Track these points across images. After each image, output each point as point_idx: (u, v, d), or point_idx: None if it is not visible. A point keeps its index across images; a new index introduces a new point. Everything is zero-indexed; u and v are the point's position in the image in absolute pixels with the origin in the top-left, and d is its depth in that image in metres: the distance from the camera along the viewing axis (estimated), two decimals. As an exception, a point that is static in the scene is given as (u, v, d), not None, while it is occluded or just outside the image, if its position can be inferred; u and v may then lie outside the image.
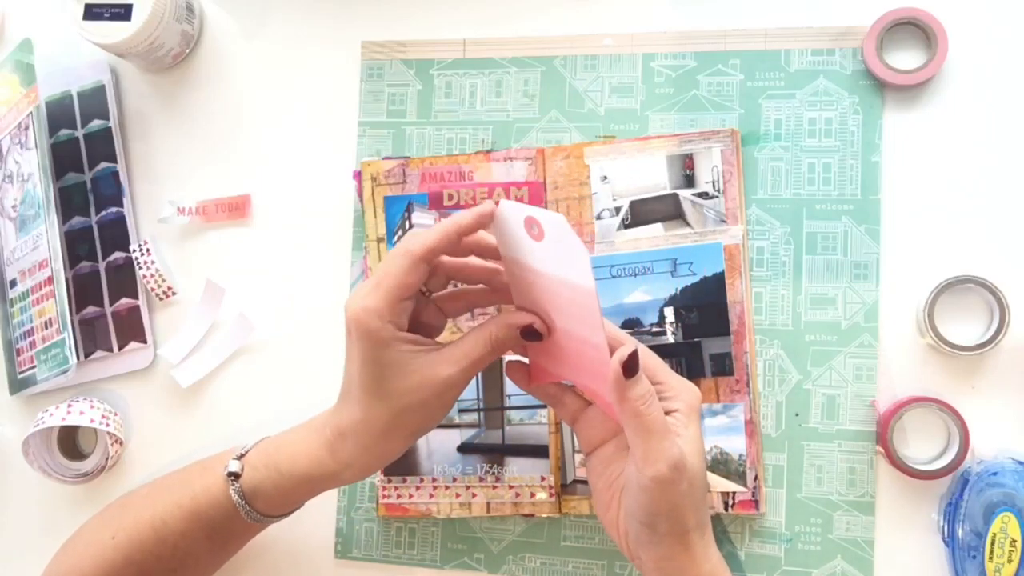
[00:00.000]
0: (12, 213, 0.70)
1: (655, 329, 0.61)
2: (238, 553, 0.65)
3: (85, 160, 0.70)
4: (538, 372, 0.54)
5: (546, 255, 0.47)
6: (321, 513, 0.66)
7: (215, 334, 0.68)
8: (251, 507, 0.54)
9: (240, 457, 0.56)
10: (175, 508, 0.55)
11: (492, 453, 0.63)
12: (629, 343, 0.48)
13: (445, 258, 0.51)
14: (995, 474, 0.57)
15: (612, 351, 0.47)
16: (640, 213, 0.62)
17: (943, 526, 0.58)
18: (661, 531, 0.49)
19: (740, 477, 0.60)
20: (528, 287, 0.50)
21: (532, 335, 0.50)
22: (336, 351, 0.66)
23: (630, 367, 0.46)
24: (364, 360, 0.50)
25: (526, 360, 0.54)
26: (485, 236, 0.52)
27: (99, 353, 0.69)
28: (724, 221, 0.61)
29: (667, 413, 0.49)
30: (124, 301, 0.69)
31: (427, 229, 0.49)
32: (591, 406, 0.54)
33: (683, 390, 0.50)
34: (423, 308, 0.53)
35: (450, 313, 0.54)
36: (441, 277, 0.53)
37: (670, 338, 0.60)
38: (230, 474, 0.55)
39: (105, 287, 0.70)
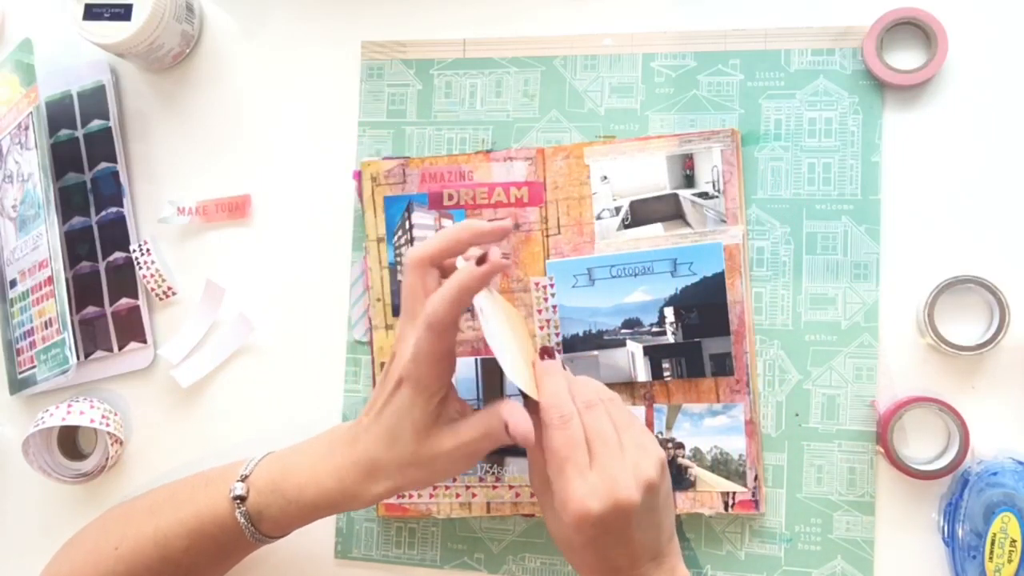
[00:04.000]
0: (12, 213, 0.70)
1: (655, 329, 0.61)
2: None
3: (85, 160, 0.70)
4: None
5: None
6: (321, 513, 0.66)
7: (215, 334, 0.68)
8: (256, 529, 0.54)
9: (244, 479, 0.55)
10: (179, 526, 0.55)
11: (492, 453, 0.63)
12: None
13: None
14: (995, 474, 0.57)
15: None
16: (640, 213, 0.62)
17: (943, 526, 0.58)
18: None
19: (740, 477, 0.60)
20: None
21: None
22: (336, 350, 0.67)
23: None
24: (402, 409, 0.51)
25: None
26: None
27: (99, 353, 0.69)
28: (724, 221, 0.61)
29: None
30: (124, 301, 0.69)
31: (439, 296, 0.50)
32: None
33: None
34: None
35: None
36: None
37: (670, 338, 0.60)
38: (235, 497, 0.54)
39: (105, 287, 0.70)
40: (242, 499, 0.54)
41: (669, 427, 0.61)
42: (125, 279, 0.69)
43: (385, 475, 0.52)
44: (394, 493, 0.53)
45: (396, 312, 0.64)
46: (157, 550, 0.55)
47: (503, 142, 0.66)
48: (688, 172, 0.62)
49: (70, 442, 0.69)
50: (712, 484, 0.60)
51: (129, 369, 0.69)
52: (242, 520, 0.54)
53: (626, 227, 0.62)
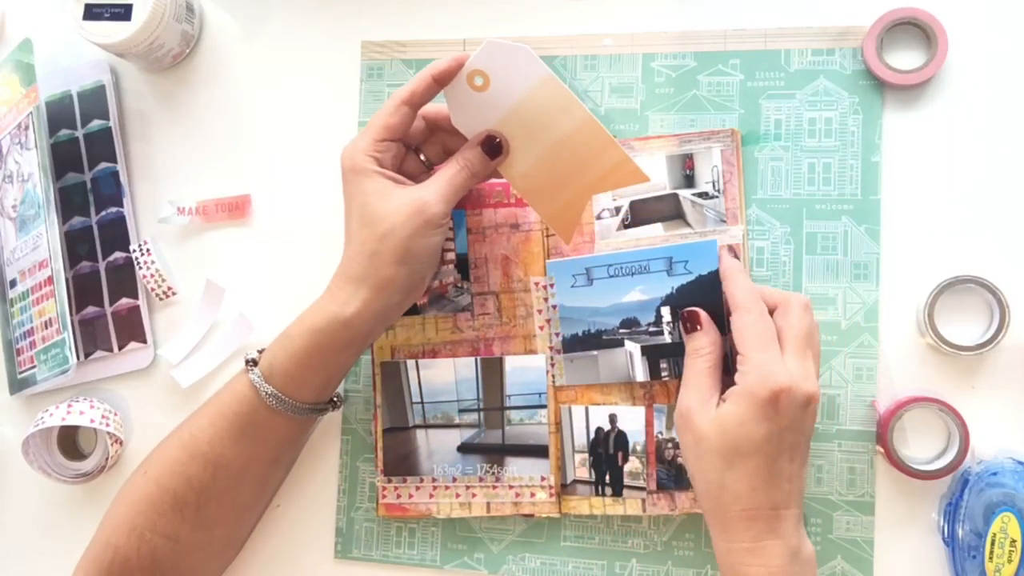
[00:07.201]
0: (12, 213, 0.70)
1: (652, 329, 0.60)
2: (239, 552, 0.65)
3: (85, 160, 0.70)
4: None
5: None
6: (321, 513, 0.66)
7: (215, 334, 0.68)
8: (270, 386, 0.56)
9: (260, 351, 0.58)
10: (201, 418, 0.58)
11: (492, 453, 0.63)
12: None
13: (431, 109, 0.58)
14: (995, 474, 0.57)
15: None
16: (640, 213, 0.62)
17: (943, 526, 0.58)
18: None
19: (740, 477, 0.60)
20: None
21: (494, 148, 0.56)
22: (336, 351, 0.67)
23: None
24: (350, 194, 0.56)
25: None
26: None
27: (99, 353, 0.69)
28: (724, 221, 0.61)
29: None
30: (124, 301, 0.69)
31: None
32: None
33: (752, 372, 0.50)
34: (409, 160, 0.59)
35: (432, 159, 0.60)
36: (427, 132, 0.59)
37: (667, 338, 0.60)
38: (248, 360, 0.57)
39: (105, 287, 0.70)
40: (255, 362, 0.57)
41: (669, 427, 0.61)
42: (125, 279, 0.69)
43: (361, 271, 0.54)
44: (383, 290, 0.54)
45: (396, 312, 0.64)
46: (184, 452, 0.57)
47: (503, 142, 0.66)
48: (688, 172, 0.62)
49: (70, 442, 0.69)
50: (712, 484, 0.60)
51: (129, 369, 0.69)
52: (255, 379, 0.56)
53: (626, 227, 0.62)
